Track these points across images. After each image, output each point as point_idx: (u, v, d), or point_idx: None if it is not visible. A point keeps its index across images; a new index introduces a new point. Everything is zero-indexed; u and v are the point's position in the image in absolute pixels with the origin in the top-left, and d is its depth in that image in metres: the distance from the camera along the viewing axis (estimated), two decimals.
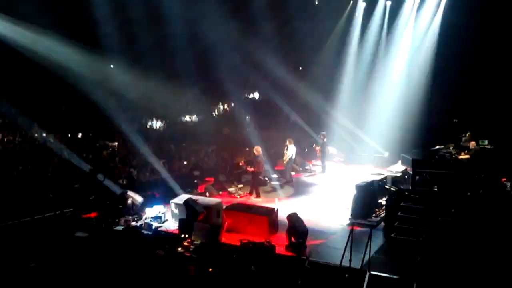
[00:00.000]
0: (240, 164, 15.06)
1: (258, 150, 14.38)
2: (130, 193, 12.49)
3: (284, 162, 16.66)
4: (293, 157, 16.72)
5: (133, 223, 11.39)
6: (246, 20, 19.71)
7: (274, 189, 15.51)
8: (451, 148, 14.65)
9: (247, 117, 21.26)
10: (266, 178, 16.29)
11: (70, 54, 15.92)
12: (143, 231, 10.94)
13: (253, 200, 14.08)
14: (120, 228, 11.07)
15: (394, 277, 8.34)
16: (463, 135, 15.59)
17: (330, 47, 22.14)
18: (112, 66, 17.90)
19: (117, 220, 11.44)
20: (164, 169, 15.27)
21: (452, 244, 8.74)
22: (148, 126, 19.49)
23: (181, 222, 10.53)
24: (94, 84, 16.47)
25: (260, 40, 20.15)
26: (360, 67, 21.94)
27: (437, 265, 8.80)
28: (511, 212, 9.59)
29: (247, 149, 17.61)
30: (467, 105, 17.13)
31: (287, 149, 16.57)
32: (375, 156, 18.78)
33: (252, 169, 14.33)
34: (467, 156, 13.42)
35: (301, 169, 18.37)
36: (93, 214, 12.04)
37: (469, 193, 11.52)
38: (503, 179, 12.70)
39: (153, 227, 11.17)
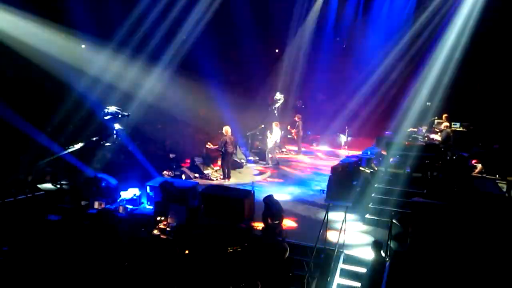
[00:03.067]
0: (207, 146, 14.96)
1: (226, 130, 14.23)
2: (103, 175, 12.30)
3: (269, 145, 16.58)
4: (278, 141, 16.70)
5: (108, 206, 11.25)
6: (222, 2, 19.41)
7: (250, 171, 15.53)
8: (423, 130, 14.99)
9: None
10: (242, 160, 16.29)
11: (39, 32, 15.36)
12: (118, 213, 10.82)
13: (222, 181, 14.01)
14: (94, 211, 10.92)
15: (368, 258, 8.51)
16: (436, 117, 15.90)
17: (306, 30, 22.05)
18: (83, 46, 17.35)
19: (90, 203, 11.27)
20: (139, 152, 15.07)
21: (424, 224, 8.95)
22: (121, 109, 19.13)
23: (157, 204, 10.46)
24: (65, 65, 15.96)
25: (236, 20, 19.95)
26: (336, 48, 22.05)
27: (410, 245, 9.03)
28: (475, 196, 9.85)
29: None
30: (440, 89, 17.37)
31: (271, 132, 16.49)
32: (350, 138, 18.98)
33: (215, 146, 14.25)
34: (439, 138, 13.72)
35: (277, 151, 18.45)
36: None
37: (439, 174, 11.83)
38: (475, 161, 13.07)
39: (128, 210, 11.06)
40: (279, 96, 19.43)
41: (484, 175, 12.72)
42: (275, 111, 19.25)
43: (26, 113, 14.20)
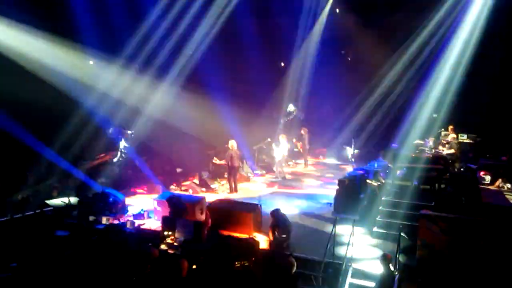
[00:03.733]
0: (213, 161, 15.01)
1: (232, 144, 14.29)
2: (111, 190, 12.36)
3: (276, 160, 16.56)
4: (286, 154, 16.65)
5: (115, 221, 11.28)
6: (228, 17, 19.63)
7: (257, 185, 15.53)
8: (430, 142, 14.95)
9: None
10: (249, 174, 16.30)
11: (46, 48, 15.59)
12: (125, 229, 10.84)
13: (228, 195, 14.01)
14: (102, 226, 10.95)
15: (376, 272, 8.43)
16: (442, 129, 15.86)
17: (312, 41, 22.19)
18: (91, 62, 17.56)
19: (98, 218, 11.31)
20: (146, 166, 15.16)
21: (433, 237, 8.88)
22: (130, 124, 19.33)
23: (164, 219, 10.46)
24: (73, 81, 16.17)
25: (241, 35, 20.14)
26: (341, 61, 22.15)
27: (419, 258, 8.96)
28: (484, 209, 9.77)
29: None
30: (446, 100, 17.36)
31: (278, 145, 16.46)
32: (357, 151, 18.94)
33: (221, 162, 14.29)
34: (448, 150, 13.67)
35: (284, 164, 18.42)
36: None
37: (447, 187, 11.75)
38: (483, 172, 12.96)
39: (136, 225, 11.08)
40: (292, 108, 19.35)
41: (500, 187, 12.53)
42: (287, 124, 19.21)
43: (34, 129, 14.36)
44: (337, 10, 21.30)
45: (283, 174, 16.48)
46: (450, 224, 8.77)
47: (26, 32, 14.96)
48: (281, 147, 16.34)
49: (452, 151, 13.64)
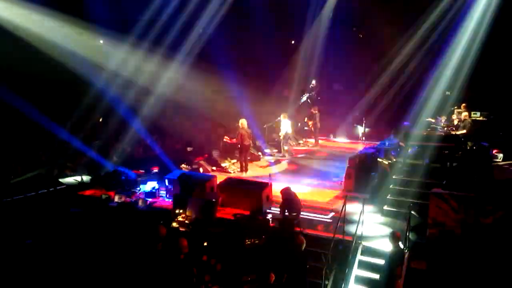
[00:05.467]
0: (224, 139, 15.02)
1: (242, 123, 14.26)
2: (123, 169, 12.49)
3: (281, 137, 16.59)
4: (289, 131, 16.70)
5: (127, 199, 11.42)
6: None
7: (267, 164, 15.56)
8: (442, 120, 14.77)
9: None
10: (259, 153, 16.33)
11: (57, 27, 15.58)
12: (137, 207, 10.98)
13: (239, 174, 14.05)
14: (115, 204, 11.10)
15: (386, 250, 8.47)
16: (455, 107, 15.64)
17: (323, 18, 21.83)
18: (101, 41, 17.54)
19: (111, 196, 11.46)
20: (157, 145, 15.24)
21: (444, 215, 8.86)
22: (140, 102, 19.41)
23: (175, 197, 10.57)
24: (83, 60, 16.20)
25: (252, 13, 19.91)
26: (353, 38, 21.80)
27: (428, 236, 8.97)
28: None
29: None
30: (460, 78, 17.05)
31: (281, 124, 16.51)
32: (368, 130, 18.82)
33: (233, 140, 14.29)
34: (461, 129, 13.51)
35: (294, 143, 18.40)
36: (87, 192, 12.06)
37: (458, 165, 11.63)
38: (495, 150, 12.83)
39: (148, 203, 11.22)
40: (314, 83, 19.36)
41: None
42: (309, 100, 19.17)
43: (46, 108, 14.48)
44: None
45: (286, 152, 16.49)
46: (461, 202, 8.73)
47: (38, 11, 14.96)
48: (282, 125, 16.32)
49: (464, 131, 13.47)
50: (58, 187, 11.87)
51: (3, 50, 13.73)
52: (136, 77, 17.38)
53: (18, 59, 13.95)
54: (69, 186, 12.20)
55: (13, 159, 13.32)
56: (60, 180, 12.53)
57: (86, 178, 12.90)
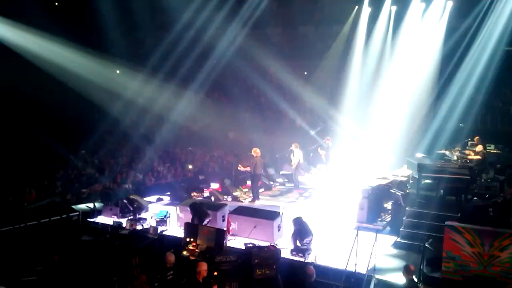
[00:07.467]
0: (238, 167, 15.08)
1: (255, 151, 14.31)
2: (135, 196, 12.54)
3: (293, 167, 16.55)
4: (301, 161, 16.68)
5: (138, 227, 11.42)
6: (252, 25, 19.78)
7: (279, 193, 15.50)
8: (456, 152, 14.64)
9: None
10: (271, 182, 16.30)
11: (76, 58, 16.04)
12: (148, 235, 10.96)
13: (250, 203, 14.00)
14: (126, 231, 11.09)
15: (400, 283, 8.28)
16: (469, 139, 15.54)
17: (335, 52, 22.11)
18: (118, 71, 18.01)
19: (122, 223, 11.48)
20: (169, 173, 15.33)
21: (459, 249, 8.68)
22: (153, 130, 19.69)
23: (187, 226, 10.54)
24: (100, 89, 16.59)
25: (265, 45, 20.25)
26: (365, 72, 21.89)
27: (444, 270, 8.77)
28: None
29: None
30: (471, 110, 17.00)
31: (293, 154, 16.50)
32: (380, 160, 18.68)
33: (247, 168, 14.31)
34: (475, 161, 13.37)
35: (306, 173, 18.33)
36: (99, 219, 12.11)
37: (474, 198, 11.47)
38: None
39: (158, 231, 11.19)
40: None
41: None
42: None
43: (63, 135, 14.77)
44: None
45: (298, 182, 16.43)
46: (476, 235, 8.56)
47: (58, 43, 15.47)
48: (295, 155, 16.33)
49: (479, 161, 13.33)
50: (71, 214, 11.94)
51: (26, 81, 14.19)
52: (151, 106, 17.70)
53: (37, 89, 14.38)
54: (82, 212, 12.27)
55: (28, 184, 13.51)
56: (73, 206, 12.62)
57: (98, 205, 12.98)
